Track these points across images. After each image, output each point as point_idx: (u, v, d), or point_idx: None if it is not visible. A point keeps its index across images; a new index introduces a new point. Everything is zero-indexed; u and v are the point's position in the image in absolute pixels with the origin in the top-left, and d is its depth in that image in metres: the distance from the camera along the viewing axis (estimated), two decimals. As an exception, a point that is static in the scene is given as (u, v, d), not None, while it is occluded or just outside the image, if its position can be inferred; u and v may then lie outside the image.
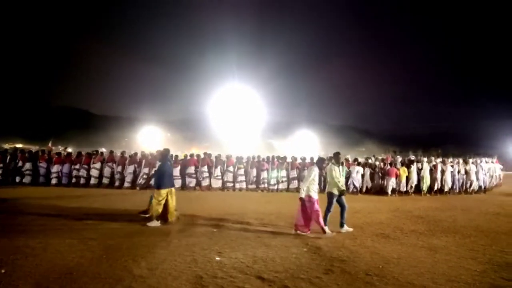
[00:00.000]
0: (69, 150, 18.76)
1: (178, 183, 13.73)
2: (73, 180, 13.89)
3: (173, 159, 13.13)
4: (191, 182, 13.98)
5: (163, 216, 7.29)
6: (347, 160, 15.28)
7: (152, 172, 13.60)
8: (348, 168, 14.07)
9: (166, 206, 7.28)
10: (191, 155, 14.57)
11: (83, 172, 13.93)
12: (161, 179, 7.37)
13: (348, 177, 13.81)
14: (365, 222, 8.14)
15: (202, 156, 14.67)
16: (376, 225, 7.85)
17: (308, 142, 36.06)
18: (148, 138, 38.45)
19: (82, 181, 13.92)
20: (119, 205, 9.63)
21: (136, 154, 14.69)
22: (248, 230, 7.03)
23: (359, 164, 14.68)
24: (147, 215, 7.57)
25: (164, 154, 7.82)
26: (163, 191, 7.27)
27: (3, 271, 4.35)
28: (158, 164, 8.07)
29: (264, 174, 14.30)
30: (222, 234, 6.58)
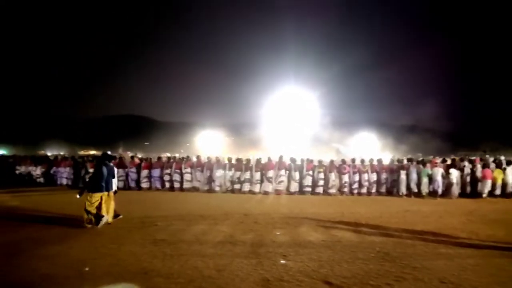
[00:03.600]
0: (139, 156, 19.78)
1: (257, 187, 13.94)
2: (167, 184, 14.61)
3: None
4: (268, 186, 13.92)
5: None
6: (430, 161, 14.49)
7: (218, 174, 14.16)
8: (432, 169, 13.31)
9: (99, 208, 7.21)
10: (269, 159, 14.58)
11: (176, 177, 14.60)
12: (96, 182, 7.32)
13: (430, 178, 13.07)
14: (436, 227, 7.61)
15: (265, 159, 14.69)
16: (449, 230, 7.30)
17: (371, 145, 34.73)
18: (208, 142, 39.73)
19: (176, 185, 14.59)
20: (180, 206, 10.18)
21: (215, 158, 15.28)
22: (310, 233, 6.95)
23: (450, 166, 13.73)
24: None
25: (101, 158, 7.89)
26: (97, 195, 7.22)
27: (87, 268, 4.75)
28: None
29: (345, 178, 13.94)
30: (286, 237, 6.58)
